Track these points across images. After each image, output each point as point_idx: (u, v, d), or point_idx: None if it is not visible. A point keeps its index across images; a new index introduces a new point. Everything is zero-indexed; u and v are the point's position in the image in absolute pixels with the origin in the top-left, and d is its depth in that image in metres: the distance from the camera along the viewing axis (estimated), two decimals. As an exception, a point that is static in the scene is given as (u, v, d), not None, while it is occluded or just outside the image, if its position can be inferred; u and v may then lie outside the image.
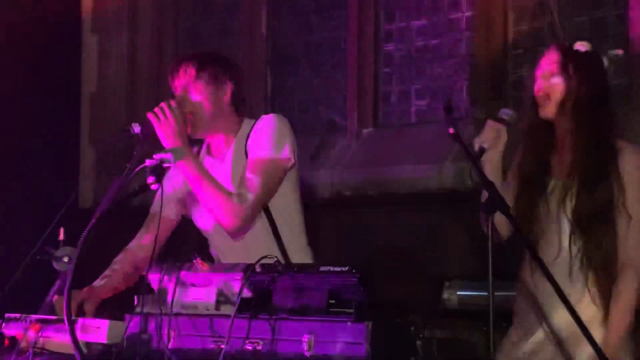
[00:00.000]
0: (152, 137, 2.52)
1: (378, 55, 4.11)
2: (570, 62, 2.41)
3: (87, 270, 2.21)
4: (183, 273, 2.12)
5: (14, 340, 2.32)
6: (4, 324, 2.37)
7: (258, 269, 2.03)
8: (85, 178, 4.69)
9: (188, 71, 2.61)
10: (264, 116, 2.66)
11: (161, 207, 2.31)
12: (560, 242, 2.37)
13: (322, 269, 2.01)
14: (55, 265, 2.56)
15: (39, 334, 2.27)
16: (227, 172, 2.62)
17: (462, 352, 2.13)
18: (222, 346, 1.95)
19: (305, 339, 1.93)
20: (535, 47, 3.67)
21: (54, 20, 4.64)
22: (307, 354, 1.92)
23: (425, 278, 2.60)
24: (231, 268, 2.12)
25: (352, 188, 3.86)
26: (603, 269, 2.33)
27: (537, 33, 3.73)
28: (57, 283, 2.59)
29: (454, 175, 3.53)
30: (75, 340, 2.08)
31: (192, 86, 2.61)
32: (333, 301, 1.96)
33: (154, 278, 2.15)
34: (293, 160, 2.58)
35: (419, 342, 2.02)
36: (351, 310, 1.91)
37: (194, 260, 2.16)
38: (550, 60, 2.45)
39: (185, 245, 2.25)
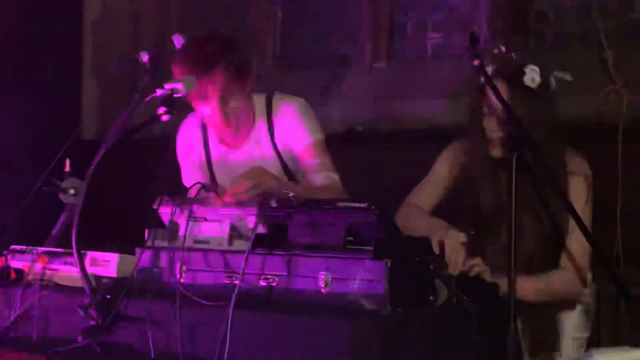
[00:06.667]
0: (160, 66, 2.45)
1: (394, -15, 3.98)
2: (522, 102, 2.31)
3: (92, 203, 2.15)
4: (196, 207, 2.07)
5: (20, 272, 2.29)
6: (10, 256, 2.33)
7: (273, 204, 1.97)
8: (88, 109, 4.61)
9: (223, 77, 2.49)
10: (288, 104, 2.64)
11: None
12: None
13: (340, 204, 1.95)
14: (61, 197, 2.51)
15: (47, 267, 2.24)
16: (242, 157, 2.64)
17: (483, 290, 2.10)
18: (236, 282, 1.91)
19: (322, 276, 1.88)
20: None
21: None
22: (324, 290, 1.88)
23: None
24: (246, 203, 2.06)
25: (364, 123, 3.79)
26: None
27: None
28: (63, 215, 2.55)
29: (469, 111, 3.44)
30: (84, 273, 2.04)
31: (228, 93, 2.52)
32: (350, 238, 1.91)
33: (165, 212, 2.10)
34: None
35: (437, 281, 1.98)
36: (370, 248, 1.86)
37: (207, 194, 2.11)
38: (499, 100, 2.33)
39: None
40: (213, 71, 2.48)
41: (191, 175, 2.74)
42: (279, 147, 2.65)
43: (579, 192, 2.39)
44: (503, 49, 2.36)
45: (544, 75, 2.39)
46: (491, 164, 2.46)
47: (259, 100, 2.66)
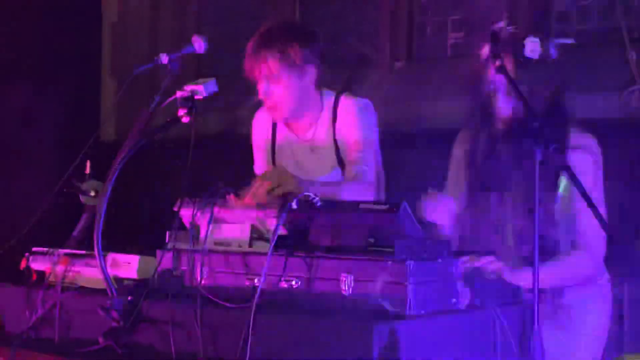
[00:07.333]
0: (180, 68, 2.44)
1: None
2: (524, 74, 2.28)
3: (112, 204, 2.15)
4: (216, 209, 2.06)
5: (41, 274, 2.29)
6: (31, 258, 2.33)
7: (294, 206, 1.96)
8: (106, 110, 4.62)
9: (270, 60, 2.57)
10: (352, 100, 2.72)
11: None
12: None
13: (361, 206, 1.94)
14: (82, 198, 2.51)
15: (68, 268, 2.23)
16: (304, 142, 2.75)
17: (503, 291, 2.08)
18: (257, 284, 1.90)
19: (344, 278, 1.87)
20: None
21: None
22: (345, 292, 1.87)
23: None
24: (266, 205, 2.05)
25: (383, 124, 3.76)
26: None
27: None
28: (84, 217, 2.55)
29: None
30: (106, 275, 2.04)
31: (274, 77, 2.59)
32: (372, 239, 1.90)
33: (186, 214, 2.09)
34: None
35: (460, 283, 1.95)
36: (391, 249, 1.84)
37: (228, 196, 2.10)
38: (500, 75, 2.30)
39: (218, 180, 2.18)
40: (262, 52, 2.57)
41: (259, 161, 2.86)
42: (337, 139, 2.73)
43: (581, 169, 2.29)
44: (501, 24, 2.33)
45: (544, 45, 2.35)
46: (493, 139, 2.44)
47: (330, 95, 2.76)
